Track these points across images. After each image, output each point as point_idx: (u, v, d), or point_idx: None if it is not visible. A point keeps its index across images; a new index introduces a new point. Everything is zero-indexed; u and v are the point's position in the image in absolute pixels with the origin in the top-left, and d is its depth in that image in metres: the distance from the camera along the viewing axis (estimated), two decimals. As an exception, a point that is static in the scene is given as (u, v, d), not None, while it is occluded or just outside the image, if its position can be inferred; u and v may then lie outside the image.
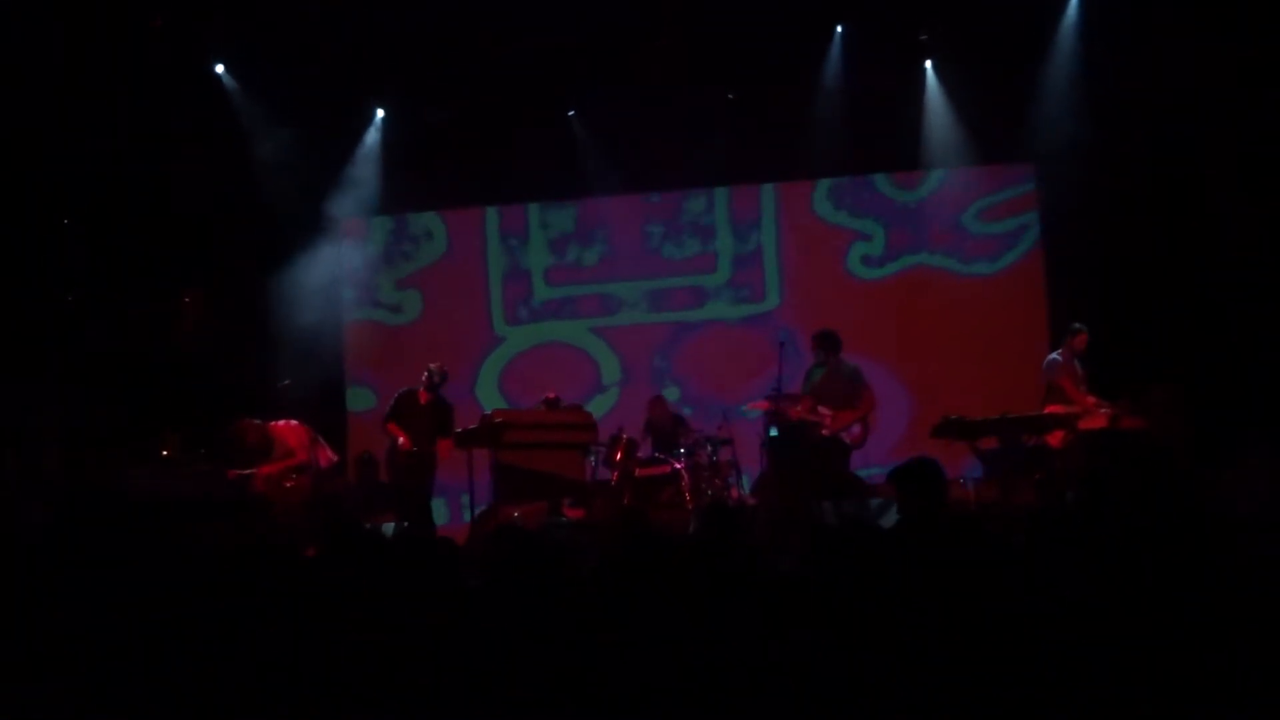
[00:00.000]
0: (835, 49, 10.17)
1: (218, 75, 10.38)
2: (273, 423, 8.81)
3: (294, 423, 8.88)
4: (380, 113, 11.02)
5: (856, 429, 8.60)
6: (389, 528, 8.08)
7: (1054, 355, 8.66)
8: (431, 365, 9.30)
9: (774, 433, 9.00)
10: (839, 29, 10.14)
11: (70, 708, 2.96)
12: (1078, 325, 8.61)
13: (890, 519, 6.96)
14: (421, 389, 9.17)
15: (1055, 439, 8.29)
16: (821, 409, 8.47)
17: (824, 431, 8.51)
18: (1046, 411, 8.46)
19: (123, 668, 3.08)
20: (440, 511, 9.54)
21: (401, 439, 8.98)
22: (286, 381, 9.22)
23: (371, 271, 8.99)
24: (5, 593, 3.73)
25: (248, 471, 8.59)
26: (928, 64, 10.61)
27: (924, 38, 10.30)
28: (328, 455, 8.91)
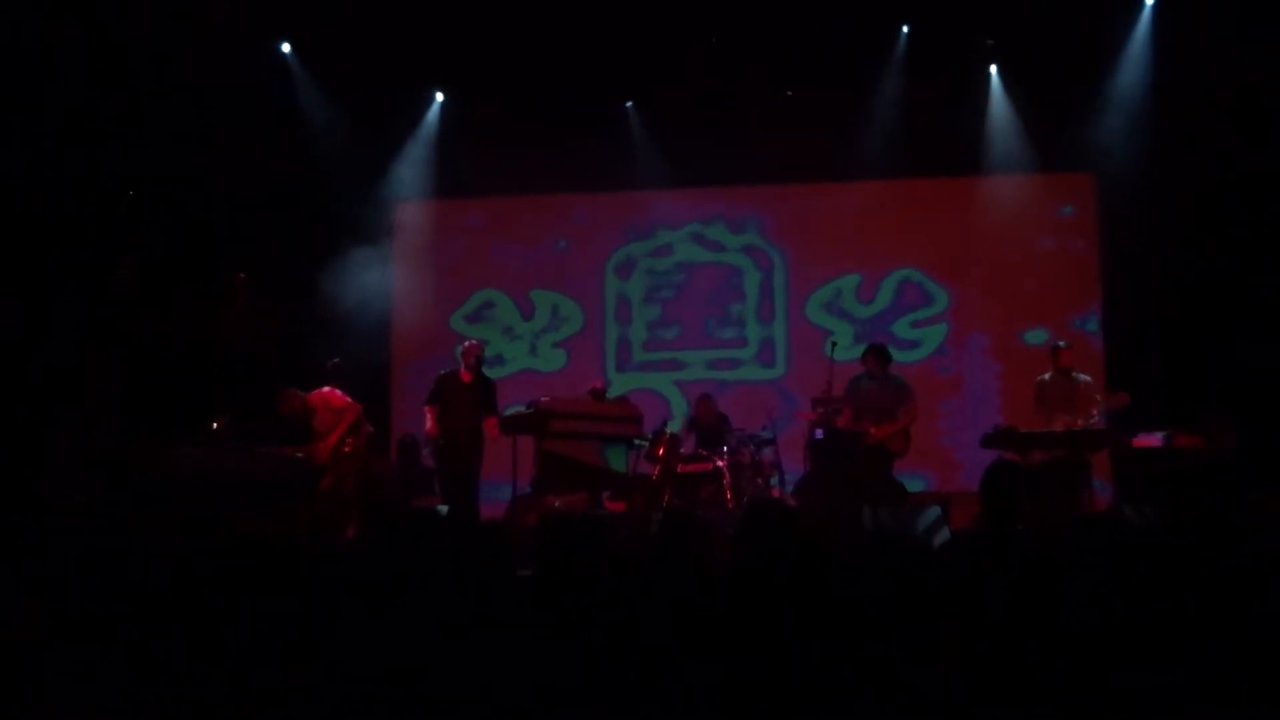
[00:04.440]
0: (900, 50, 10.15)
1: (284, 54, 10.33)
2: (312, 393, 8.78)
3: (329, 389, 8.85)
4: (440, 97, 11.05)
5: (900, 439, 8.78)
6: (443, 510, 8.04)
7: (1041, 377, 8.67)
8: (468, 342, 9.25)
9: (819, 435, 9.16)
10: (905, 30, 10.08)
11: (104, 688, 2.95)
12: (1059, 344, 8.72)
13: (943, 536, 6.57)
14: (463, 369, 9.05)
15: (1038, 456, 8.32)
16: (865, 423, 8.66)
17: (869, 440, 8.66)
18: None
19: (160, 651, 3.07)
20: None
21: (429, 425, 8.88)
22: (335, 360, 9.13)
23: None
24: (50, 572, 3.73)
25: (310, 447, 8.64)
26: (992, 69, 10.51)
27: (990, 42, 10.18)
28: (358, 408, 8.93)
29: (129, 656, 3.04)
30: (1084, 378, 8.65)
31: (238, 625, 3.15)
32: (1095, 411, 8.50)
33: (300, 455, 8.71)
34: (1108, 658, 2.88)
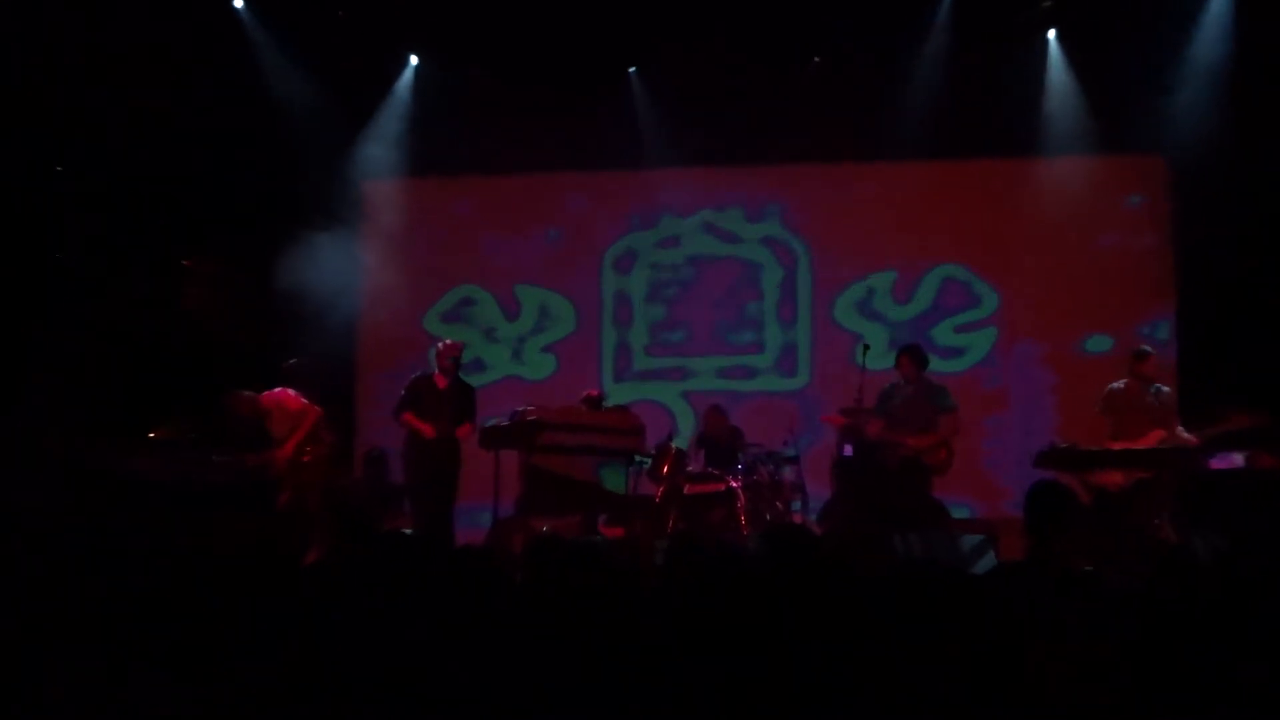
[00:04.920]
0: (944, 11, 9.65)
1: (235, 10, 9.82)
2: (264, 394, 8.31)
3: (282, 389, 8.37)
4: (414, 60, 10.58)
5: (940, 453, 8.30)
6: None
7: (1114, 384, 8.06)
8: (444, 342, 8.72)
9: (847, 452, 8.81)
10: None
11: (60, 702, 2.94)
12: (1145, 349, 8.31)
13: (988, 563, 6.43)
14: (437, 372, 8.53)
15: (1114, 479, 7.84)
16: (900, 434, 8.26)
17: (904, 452, 8.20)
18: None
19: (115, 665, 3.00)
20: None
21: (426, 429, 8.37)
22: (293, 361, 8.63)
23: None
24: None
25: (266, 455, 8.23)
26: (1051, 34, 9.95)
27: (1048, 3, 9.63)
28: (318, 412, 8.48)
29: (81, 661, 3.03)
30: (1165, 389, 8.10)
31: (202, 630, 3.14)
32: (1180, 429, 7.94)
33: (255, 464, 8.31)
34: (1110, 657, 2.99)
